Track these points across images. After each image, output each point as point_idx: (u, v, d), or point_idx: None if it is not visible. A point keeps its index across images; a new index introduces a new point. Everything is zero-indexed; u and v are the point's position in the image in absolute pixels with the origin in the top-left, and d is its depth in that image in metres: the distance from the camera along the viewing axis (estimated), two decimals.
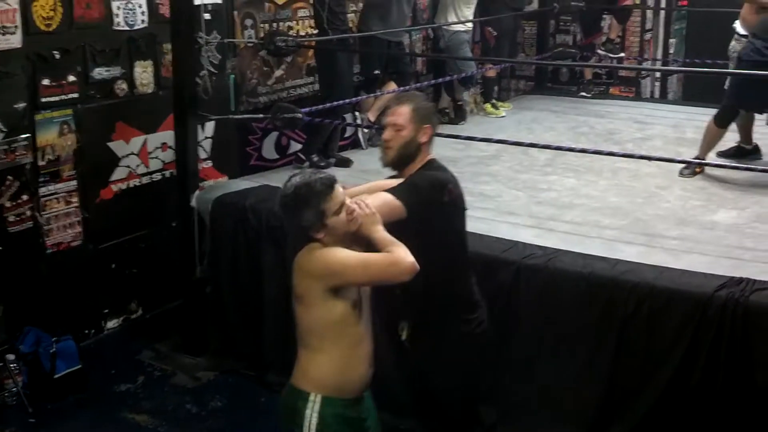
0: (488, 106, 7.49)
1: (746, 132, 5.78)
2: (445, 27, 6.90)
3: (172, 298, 5.16)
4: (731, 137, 5.74)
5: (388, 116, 3.15)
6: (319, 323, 2.75)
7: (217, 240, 4.90)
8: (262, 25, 5.77)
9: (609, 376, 3.82)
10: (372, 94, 6.16)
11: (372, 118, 6.21)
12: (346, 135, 6.34)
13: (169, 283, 5.14)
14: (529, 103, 7.83)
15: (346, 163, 5.76)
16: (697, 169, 5.37)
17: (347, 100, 5.60)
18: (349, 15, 6.28)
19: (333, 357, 2.77)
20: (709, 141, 5.43)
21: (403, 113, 3.13)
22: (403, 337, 3.23)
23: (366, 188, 3.12)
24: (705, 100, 7.53)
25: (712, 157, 5.51)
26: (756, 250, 4.14)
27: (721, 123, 5.35)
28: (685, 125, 6.78)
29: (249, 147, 5.70)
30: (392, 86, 6.22)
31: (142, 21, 5.12)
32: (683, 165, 5.32)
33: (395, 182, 3.13)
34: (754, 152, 5.79)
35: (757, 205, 4.87)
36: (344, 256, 2.71)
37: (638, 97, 8.14)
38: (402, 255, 2.68)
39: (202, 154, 5.40)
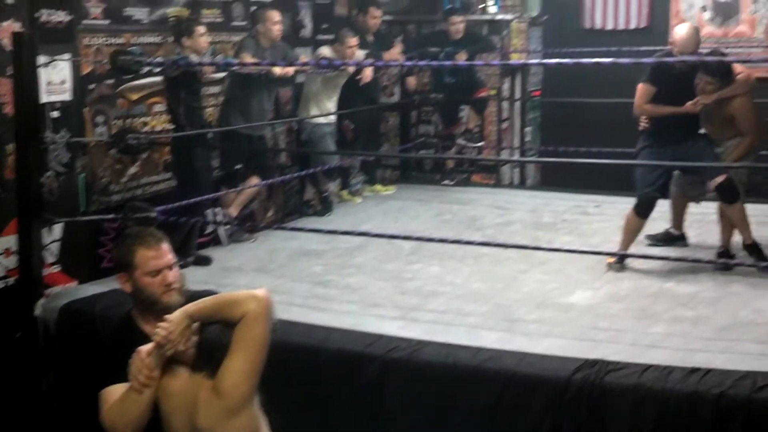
0: (345, 192, 7.61)
1: (677, 217, 5.84)
2: (307, 120, 6.94)
3: (15, 415, 4.80)
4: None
5: (155, 260, 2.85)
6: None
7: (64, 351, 4.63)
8: (114, 122, 5.64)
9: None
10: (234, 189, 6.08)
11: (234, 214, 6.15)
12: (207, 231, 6.20)
13: (12, 398, 4.79)
14: (394, 192, 7.93)
15: (205, 261, 5.63)
16: (610, 260, 5.28)
17: (206, 196, 5.51)
18: (208, 109, 6.24)
19: None
20: (629, 231, 5.36)
21: (168, 248, 2.94)
22: None
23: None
24: (561, 185, 7.86)
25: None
26: (609, 330, 4.26)
27: (640, 212, 5.33)
28: (543, 210, 7.00)
29: (101, 249, 5.48)
30: (255, 180, 6.19)
31: None
32: (613, 259, 5.27)
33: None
34: (680, 239, 5.82)
35: (610, 284, 5.02)
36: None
37: (499, 183, 8.35)
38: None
39: (50, 259, 5.15)
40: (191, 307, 2.61)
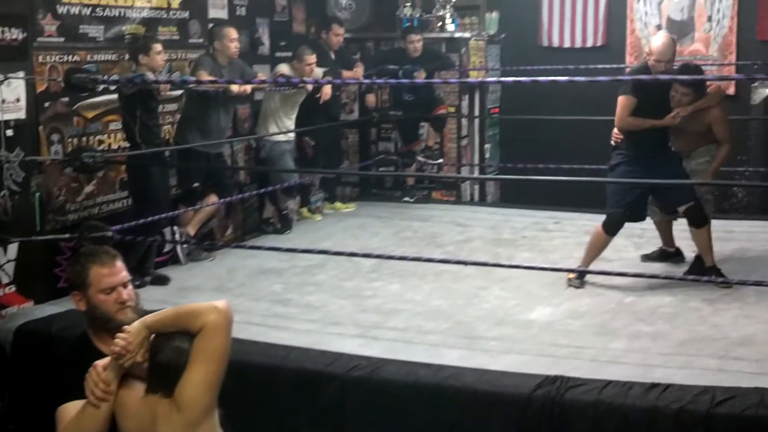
0: (304, 210, 7.57)
1: (665, 235, 5.83)
2: (266, 137, 6.90)
3: None
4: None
5: (109, 277, 2.81)
6: None
7: (19, 372, 4.53)
8: (70, 140, 5.55)
9: None
10: (192, 208, 6.02)
11: (192, 233, 6.07)
12: (165, 251, 6.13)
13: None
14: (355, 209, 7.91)
15: (163, 280, 5.56)
16: (570, 276, 5.31)
17: (164, 215, 5.44)
18: (165, 127, 6.18)
19: None
20: (595, 247, 5.36)
21: (122, 266, 2.89)
22: None
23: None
24: (521, 202, 7.91)
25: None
26: (569, 346, 4.29)
27: (608, 230, 5.32)
28: (503, 226, 7.03)
29: (57, 268, 5.38)
30: (213, 198, 6.14)
31: None
32: (573, 275, 5.28)
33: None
34: (676, 255, 5.80)
35: (570, 301, 5.05)
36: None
37: (459, 200, 8.37)
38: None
39: (5, 279, 5.05)
40: (149, 318, 2.58)
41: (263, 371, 4.07)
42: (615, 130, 5.43)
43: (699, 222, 5.29)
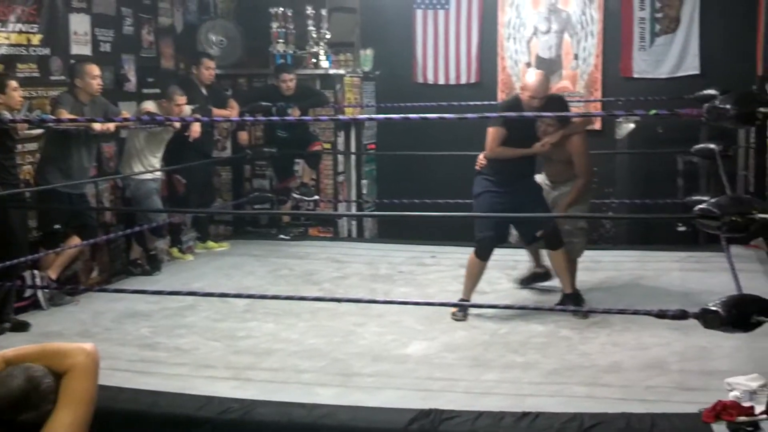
0: (175, 250, 7.38)
1: (534, 256, 5.96)
2: (131, 176, 6.68)
3: None
4: None
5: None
6: None
7: None
8: None
9: None
10: (53, 250, 5.75)
11: (54, 276, 5.82)
12: (25, 295, 5.81)
13: None
14: (228, 248, 7.75)
15: (23, 327, 5.30)
16: (454, 310, 5.32)
17: (23, 258, 5.17)
18: (24, 167, 5.91)
19: None
20: (472, 275, 5.43)
21: None
22: None
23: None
24: (398, 237, 7.95)
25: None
26: (444, 379, 4.31)
27: (480, 255, 5.41)
28: (380, 262, 7.03)
29: None
30: (76, 240, 5.90)
31: None
32: (456, 308, 5.30)
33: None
34: (545, 276, 5.94)
35: (445, 334, 5.06)
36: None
37: (336, 236, 8.34)
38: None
39: None
40: (9, 351, 2.40)
41: (130, 418, 3.90)
42: (481, 156, 5.59)
43: (554, 245, 5.48)
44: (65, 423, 2.29)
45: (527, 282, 6.02)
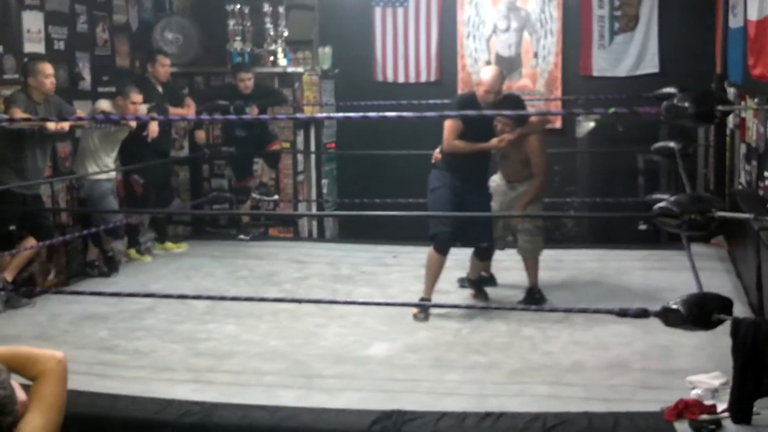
0: (132, 251, 7.26)
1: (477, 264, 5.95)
2: (85, 177, 6.56)
3: None
4: None
5: None
6: None
7: None
8: None
9: None
10: (8, 252, 5.62)
11: (9, 278, 5.72)
12: None
13: None
14: (187, 249, 7.65)
15: None
16: (415, 311, 5.31)
17: None
18: None
19: None
20: (432, 271, 5.42)
21: None
22: None
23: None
24: (360, 237, 7.91)
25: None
26: (406, 380, 4.30)
27: (439, 249, 5.40)
28: (341, 262, 6.99)
29: None
30: (31, 242, 5.79)
31: None
32: (418, 309, 5.28)
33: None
34: (490, 281, 5.97)
35: (407, 335, 5.05)
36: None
37: (297, 237, 8.27)
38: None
39: None
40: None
41: (88, 422, 3.82)
42: (436, 150, 5.60)
43: (484, 258, 5.76)
44: (38, 425, 2.28)
45: (471, 283, 5.94)
